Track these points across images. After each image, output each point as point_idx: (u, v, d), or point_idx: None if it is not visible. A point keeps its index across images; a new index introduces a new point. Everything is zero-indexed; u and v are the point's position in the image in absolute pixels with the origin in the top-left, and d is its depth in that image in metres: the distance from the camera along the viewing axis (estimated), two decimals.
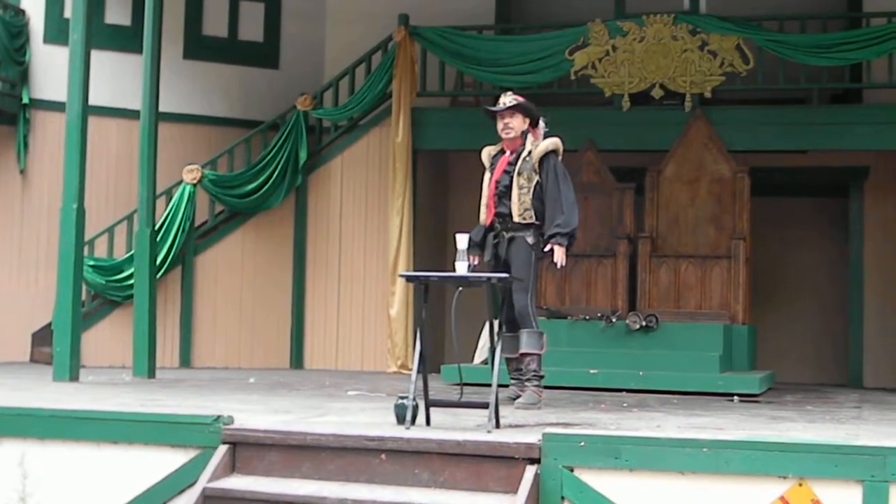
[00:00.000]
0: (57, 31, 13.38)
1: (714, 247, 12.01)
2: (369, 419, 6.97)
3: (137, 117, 11.09)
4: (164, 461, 6.46)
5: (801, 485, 5.67)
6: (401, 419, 6.50)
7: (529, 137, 8.31)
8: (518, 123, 8.29)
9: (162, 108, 11.20)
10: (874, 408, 9.27)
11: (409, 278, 7.00)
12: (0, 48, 12.93)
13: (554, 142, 8.29)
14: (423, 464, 6.02)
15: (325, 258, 13.48)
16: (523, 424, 6.82)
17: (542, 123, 8.40)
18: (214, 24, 14.45)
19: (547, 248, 8.12)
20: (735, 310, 11.69)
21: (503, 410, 6.95)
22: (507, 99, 8.34)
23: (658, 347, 11.01)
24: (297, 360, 13.38)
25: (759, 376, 10.76)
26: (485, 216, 8.40)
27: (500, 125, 8.35)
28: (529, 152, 8.24)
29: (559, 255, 8.10)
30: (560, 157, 8.31)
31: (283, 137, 13.40)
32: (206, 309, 13.15)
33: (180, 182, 13.04)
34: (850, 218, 13.74)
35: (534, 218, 8.19)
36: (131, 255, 11.99)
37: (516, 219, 8.20)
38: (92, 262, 12.51)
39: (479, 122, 8.92)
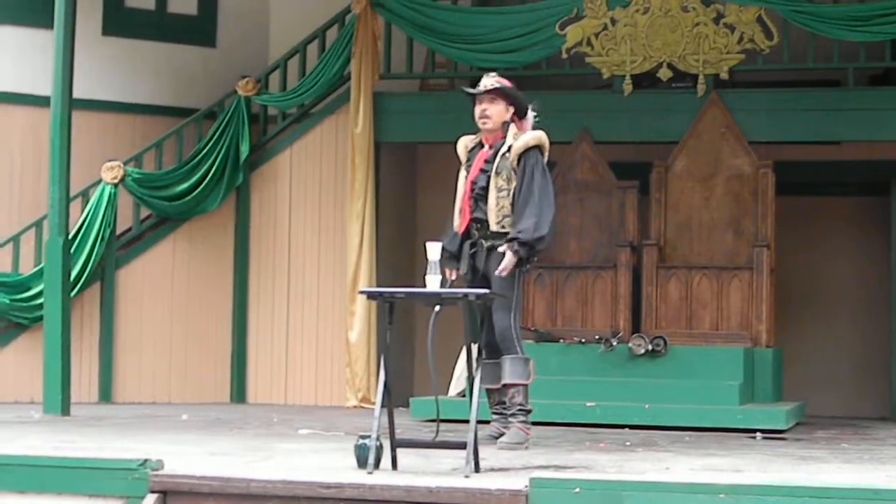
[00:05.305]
0: None
1: (732, 256, 12.08)
2: (325, 463, 6.99)
3: (47, 105, 11.09)
4: None
5: None
6: (362, 462, 6.52)
7: (512, 130, 8.29)
8: (498, 112, 8.26)
9: (77, 94, 11.18)
10: None
11: (370, 295, 7.03)
12: None
13: (537, 136, 8.26)
14: None
15: (272, 271, 13.48)
16: (507, 468, 6.85)
17: (530, 115, 8.38)
18: None
19: (501, 249, 8.13)
20: (758, 330, 11.75)
21: (483, 451, 6.99)
22: (489, 81, 8.33)
23: (666, 376, 11.07)
24: (238, 393, 13.39)
25: (786, 409, 10.85)
26: (458, 223, 8.38)
27: (477, 112, 8.34)
28: (509, 147, 8.23)
29: (506, 262, 8.08)
30: (545, 155, 8.30)
31: (222, 128, 13.41)
32: (130, 333, 13.13)
33: (99, 182, 13.02)
34: (893, 220, 13.84)
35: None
36: (41, 270, 11.96)
37: (494, 227, 8.19)
38: None
39: (452, 110, 8.99)
